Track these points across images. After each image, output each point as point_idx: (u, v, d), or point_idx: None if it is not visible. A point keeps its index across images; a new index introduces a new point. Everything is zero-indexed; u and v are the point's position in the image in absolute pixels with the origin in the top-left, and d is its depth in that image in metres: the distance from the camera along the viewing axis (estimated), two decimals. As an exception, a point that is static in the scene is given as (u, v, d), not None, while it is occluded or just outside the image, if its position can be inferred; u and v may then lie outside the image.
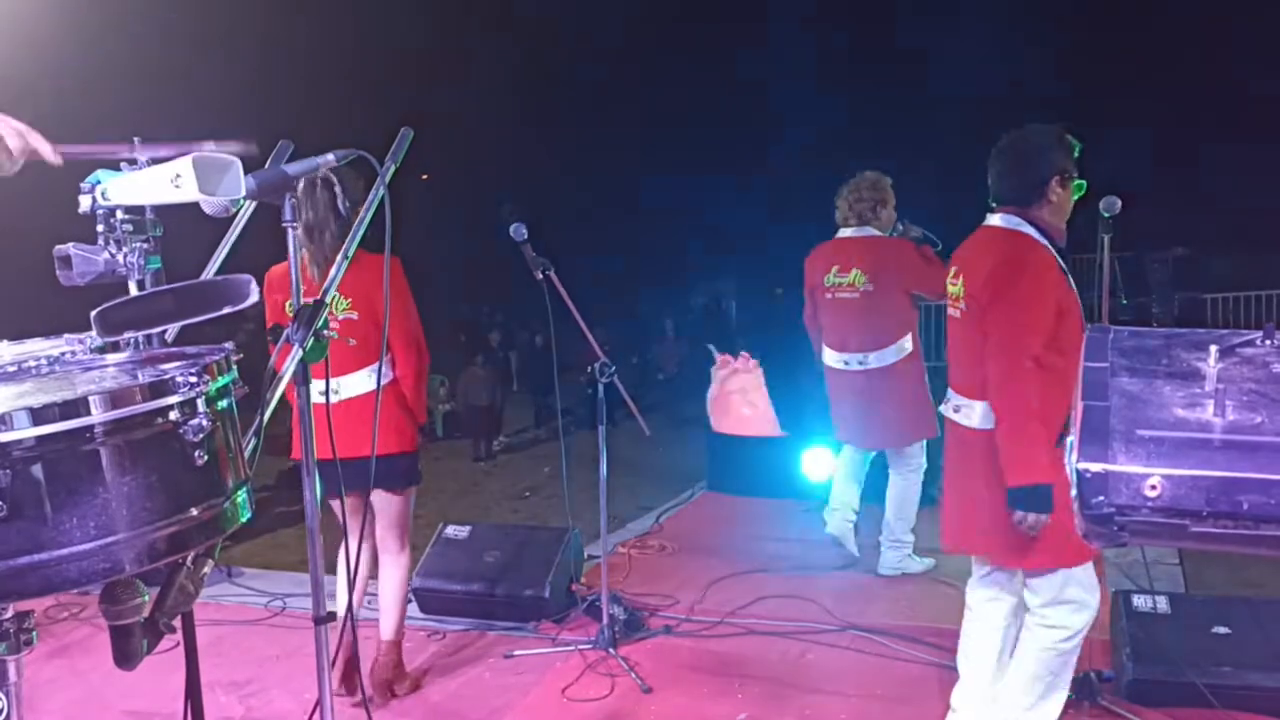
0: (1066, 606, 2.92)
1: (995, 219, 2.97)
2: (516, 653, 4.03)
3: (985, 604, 3.12)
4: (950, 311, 3.09)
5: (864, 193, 4.74)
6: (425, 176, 10.08)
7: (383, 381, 3.20)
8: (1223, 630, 3.46)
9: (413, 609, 4.47)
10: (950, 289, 3.08)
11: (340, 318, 3.37)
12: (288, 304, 3.31)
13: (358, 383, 3.42)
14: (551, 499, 6.50)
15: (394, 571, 3.68)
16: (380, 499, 3.56)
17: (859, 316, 4.74)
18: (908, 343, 4.76)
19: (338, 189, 3.02)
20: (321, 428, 2.32)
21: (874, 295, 4.70)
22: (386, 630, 3.70)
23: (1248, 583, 4.78)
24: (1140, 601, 3.60)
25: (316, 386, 2.30)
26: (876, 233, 4.75)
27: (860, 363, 4.76)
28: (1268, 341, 1.37)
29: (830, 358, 4.88)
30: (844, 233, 4.82)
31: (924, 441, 4.84)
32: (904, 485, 4.87)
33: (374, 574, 3.77)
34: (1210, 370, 1.25)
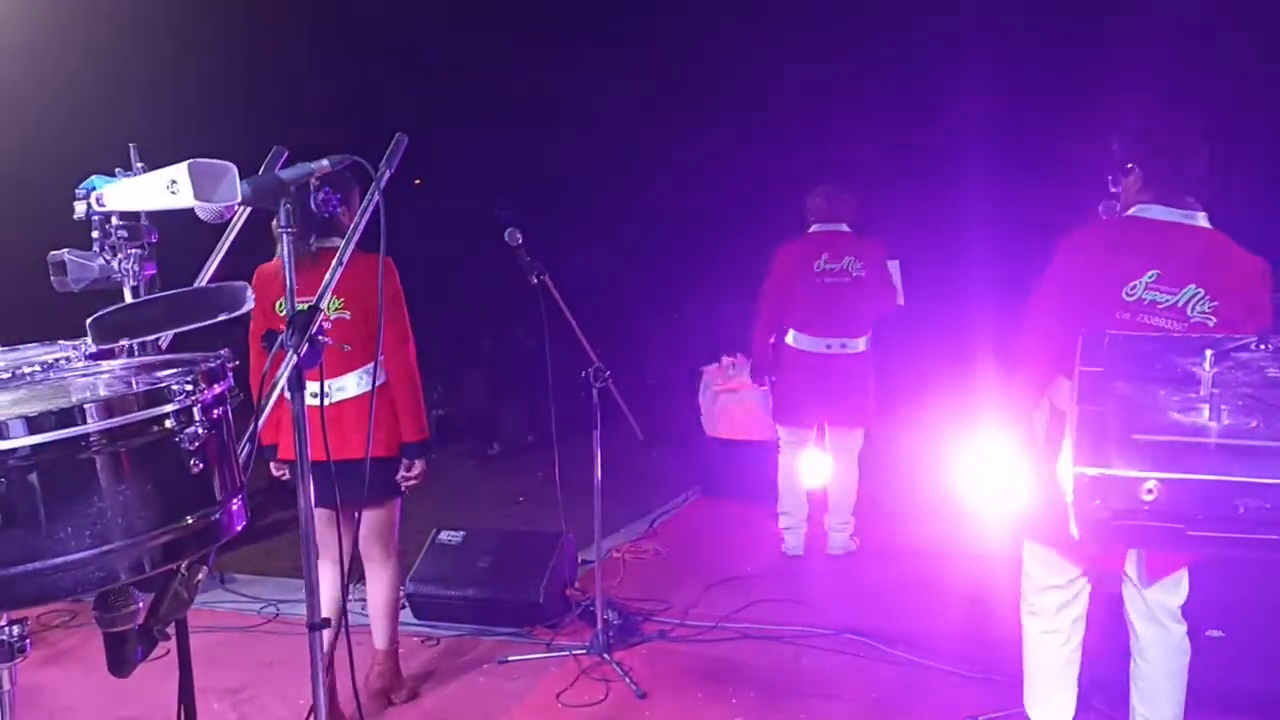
0: None
1: None
2: (511, 658, 4.02)
3: None
4: None
5: (842, 193, 5.03)
6: (419, 181, 10.07)
7: (376, 384, 3.16)
8: (1216, 633, 3.47)
9: (406, 614, 4.47)
10: None
11: (333, 318, 3.30)
12: (277, 304, 3.28)
13: (349, 385, 3.36)
14: (545, 504, 6.47)
15: (381, 580, 3.63)
16: (368, 505, 3.50)
17: (851, 301, 4.98)
18: (870, 335, 5.10)
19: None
20: (314, 431, 2.32)
21: (865, 282, 4.96)
22: (379, 639, 3.68)
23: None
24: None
25: (311, 389, 2.28)
26: (851, 230, 5.05)
27: (843, 346, 5.02)
28: (1262, 346, 1.38)
29: (806, 342, 5.06)
30: (827, 227, 5.04)
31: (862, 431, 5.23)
32: (849, 470, 5.18)
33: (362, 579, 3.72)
34: (1205, 375, 1.25)
